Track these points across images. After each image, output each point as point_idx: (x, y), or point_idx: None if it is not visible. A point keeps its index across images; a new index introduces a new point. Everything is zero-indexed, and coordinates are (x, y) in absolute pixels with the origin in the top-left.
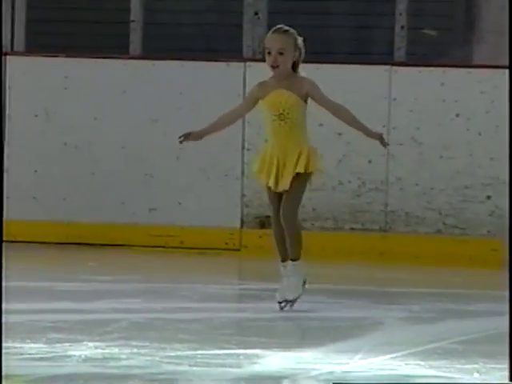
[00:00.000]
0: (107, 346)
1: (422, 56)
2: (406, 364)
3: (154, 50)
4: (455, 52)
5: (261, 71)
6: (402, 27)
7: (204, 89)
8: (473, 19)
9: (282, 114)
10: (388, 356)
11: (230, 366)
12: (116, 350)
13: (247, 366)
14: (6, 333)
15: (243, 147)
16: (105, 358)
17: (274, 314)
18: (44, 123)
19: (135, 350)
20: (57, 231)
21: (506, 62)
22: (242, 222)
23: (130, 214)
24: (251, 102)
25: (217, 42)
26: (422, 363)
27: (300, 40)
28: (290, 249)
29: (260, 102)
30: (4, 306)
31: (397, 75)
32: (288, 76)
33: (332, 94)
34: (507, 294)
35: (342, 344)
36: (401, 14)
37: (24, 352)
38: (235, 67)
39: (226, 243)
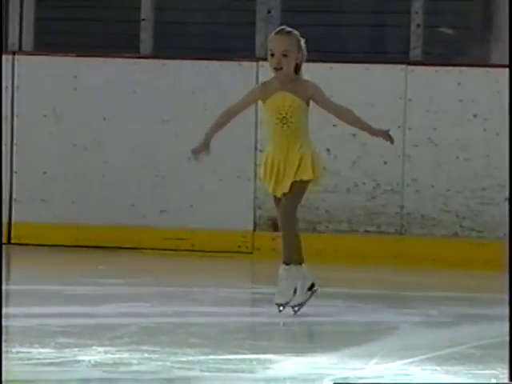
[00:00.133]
0: (117, 351)
1: (438, 55)
2: (422, 369)
3: (165, 49)
4: (472, 51)
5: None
6: (418, 25)
7: (216, 88)
8: (490, 17)
9: (284, 117)
10: (404, 361)
11: (243, 372)
12: (126, 355)
13: (260, 372)
14: (14, 337)
15: (256, 148)
16: (115, 363)
17: (288, 318)
18: (53, 124)
19: (146, 355)
20: (66, 234)
21: None
22: (255, 225)
23: (140, 216)
24: (250, 102)
25: (229, 41)
26: (439, 368)
27: (303, 41)
28: (284, 252)
29: (262, 104)
30: (10, 310)
31: (413, 75)
32: (292, 79)
33: (346, 94)
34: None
35: (357, 349)
36: (417, 13)
37: (32, 357)
38: (248, 66)
39: (239, 246)
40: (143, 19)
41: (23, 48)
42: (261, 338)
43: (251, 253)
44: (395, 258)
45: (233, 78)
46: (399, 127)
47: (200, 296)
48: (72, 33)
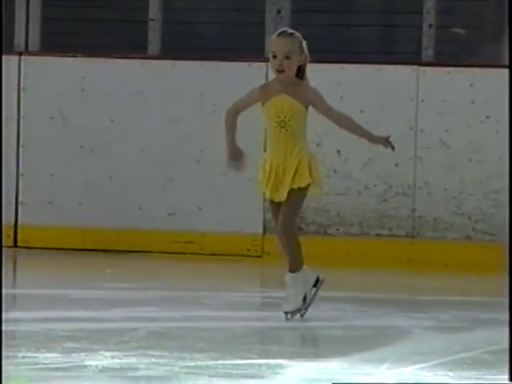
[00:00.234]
0: (125, 356)
1: (450, 56)
2: (434, 375)
3: (174, 50)
4: (485, 51)
5: None
6: (430, 26)
7: (225, 89)
8: (503, 17)
9: (283, 120)
10: (415, 366)
11: (252, 377)
12: (134, 360)
13: (270, 377)
14: (20, 342)
15: (265, 150)
16: (122, 368)
17: (298, 322)
18: (60, 125)
19: (154, 360)
20: (73, 237)
21: None
22: (265, 228)
23: (148, 219)
24: (251, 103)
25: (238, 41)
26: (451, 374)
27: (305, 44)
28: (288, 260)
29: (261, 106)
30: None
31: (424, 75)
32: (293, 82)
33: (357, 95)
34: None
35: (368, 354)
36: (428, 12)
37: (39, 362)
38: (257, 67)
39: (248, 249)
40: (151, 19)
41: (30, 49)
42: (270, 343)
43: (260, 256)
44: (407, 261)
45: (242, 78)
46: (411, 129)
47: (209, 300)
48: (79, 33)
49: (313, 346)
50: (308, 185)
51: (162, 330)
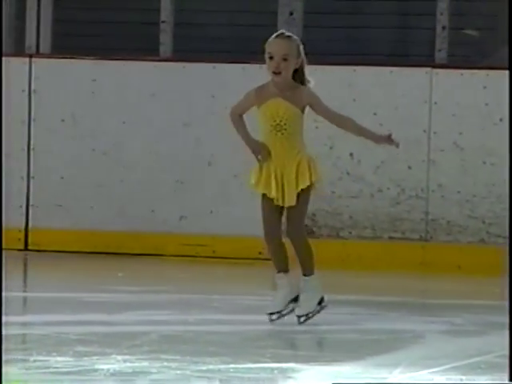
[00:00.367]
0: (136, 360)
1: (463, 58)
2: (448, 379)
3: (185, 52)
4: (499, 53)
5: None
6: (444, 28)
7: (237, 92)
8: None
9: (278, 124)
10: (429, 370)
11: (264, 381)
12: (146, 364)
13: (282, 381)
14: (31, 345)
15: None
16: (134, 372)
17: (310, 326)
18: (71, 128)
19: (165, 364)
20: (84, 240)
21: None
22: None
23: (160, 222)
24: (247, 107)
25: (250, 44)
26: (464, 378)
27: (302, 47)
28: (302, 265)
29: (256, 109)
30: (27, 318)
31: (438, 78)
32: (290, 85)
33: (370, 97)
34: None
35: (382, 357)
36: (442, 14)
37: (50, 365)
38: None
39: (260, 253)
40: (163, 21)
41: (41, 51)
42: (282, 347)
43: None
44: (420, 264)
45: (254, 80)
46: (424, 131)
47: (220, 303)
48: (90, 35)
49: (326, 349)
50: (310, 186)
51: (173, 334)
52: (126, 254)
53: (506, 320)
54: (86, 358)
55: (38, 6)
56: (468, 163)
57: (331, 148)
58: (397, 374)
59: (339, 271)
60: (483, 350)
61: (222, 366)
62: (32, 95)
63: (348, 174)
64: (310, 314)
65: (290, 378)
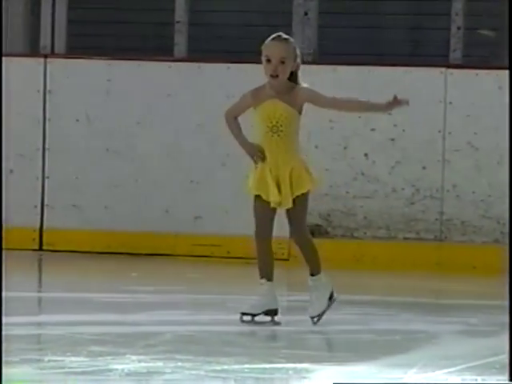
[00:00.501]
0: (151, 360)
1: (478, 58)
2: (463, 379)
3: (200, 52)
4: None
5: (310, 74)
6: (458, 28)
7: None
8: None
9: (275, 126)
10: (444, 371)
11: (279, 381)
12: (160, 364)
13: (296, 381)
14: (46, 345)
15: None
16: (148, 372)
17: (325, 326)
18: (85, 128)
19: (180, 364)
20: (98, 240)
21: None
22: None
23: (174, 222)
24: (244, 108)
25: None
26: (479, 378)
27: (298, 50)
28: (309, 265)
29: (253, 111)
30: (42, 318)
31: (452, 78)
32: (287, 87)
33: (384, 98)
34: None
35: (396, 358)
36: (457, 14)
37: (65, 366)
38: None
39: (275, 253)
40: (178, 21)
41: (56, 51)
42: (297, 347)
43: (287, 260)
44: (435, 265)
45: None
46: (439, 132)
47: (235, 304)
48: (105, 35)
49: (340, 350)
50: (308, 191)
51: (188, 334)
52: (140, 254)
53: None
54: (100, 358)
55: (53, 6)
56: (483, 163)
57: (346, 148)
58: (411, 375)
59: (354, 271)
60: (498, 350)
61: (237, 367)
62: (47, 95)
63: (363, 174)
64: (323, 314)
65: (304, 378)
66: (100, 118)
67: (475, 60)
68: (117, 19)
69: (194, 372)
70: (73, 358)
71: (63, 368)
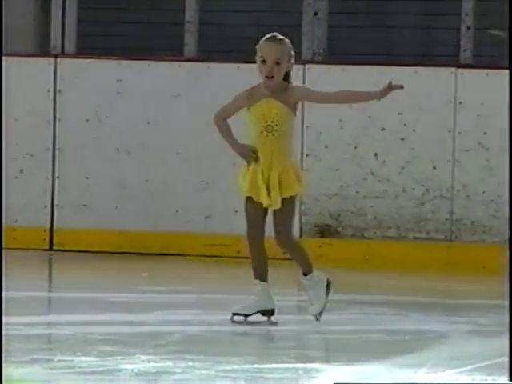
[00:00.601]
0: (161, 360)
1: (488, 58)
2: (473, 379)
3: (210, 52)
4: None
5: (321, 74)
6: (468, 28)
7: None
8: None
9: (269, 125)
10: (453, 371)
11: (289, 381)
12: (170, 364)
13: (306, 381)
14: (56, 345)
15: (302, 153)
16: (158, 372)
17: (334, 326)
18: (96, 128)
19: (190, 364)
20: (109, 240)
21: None
22: (301, 231)
23: (184, 222)
24: (237, 109)
25: None
26: (489, 378)
27: (292, 51)
28: (299, 265)
29: (247, 111)
30: (52, 317)
31: (463, 78)
32: (281, 87)
33: (394, 97)
34: None
35: (406, 358)
36: (467, 14)
37: (75, 365)
38: (294, 70)
39: (284, 253)
40: (188, 21)
41: (66, 51)
42: (307, 347)
43: None
44: (445, 265)
45: None
46: (449, 131)
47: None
48: (115, 35)
49: (350, 349)
50: (297, 194)
51: (198, 334)
52: (150, 254)
53: None
54: (110, 358)
55: (63, 6)
56: (493, 163)
57: (356, 148)
58: (421, 375)
59: (363, 271)
60: (508, 350)
61: (247, 366)
62: (57, 95)
63: (372, 174)
64: (323, 310)
65: (314, 378)
66: (110, 118)
67: (485, 60)
68: (127, 19)
69: (204, 372)
70: (83, 358)
71: (73, 368)
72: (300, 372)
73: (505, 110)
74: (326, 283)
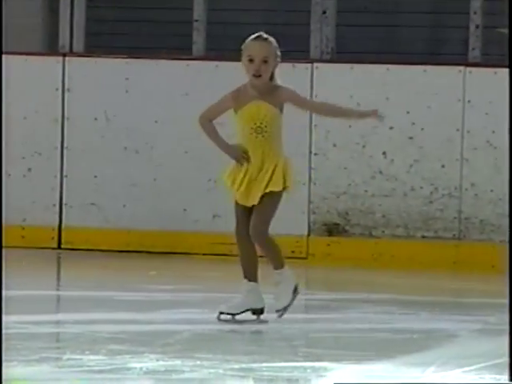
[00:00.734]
0: (169, 358)
1: (497, 56)
2: (481, 378)
3: (218, 51)
4: None
5: (329, 73)
6: (477, 26)
7: None
8: None
9: (259, 127)
10: (462, 369)
11: (297, 380)
12: (178, 363)
13: (315, 380)
14: (64, 344)
15: (310, 152)
16: (167, 371)
17: (343, 325)
18: (104, 127)
19: (198, 363)
20: (117, 239)
21: None
22: (309, 230)
23: (192, 221)
24: (223, 110)
25: (283, 42)
26: (498, 377)
27: (278, 50)
28: (270, 261)
29: (235, 113)
30: (60, 316)
31: (471, 76)
32: (268, 87)
33: (403, 96)
34: None
35: (414, 357)
36: (475, 13)
37: (83, 364)
38: (302, 68)
39: (293, 251)
40: (196, 20)
41: (74, 50)
42: (315, 346)
43: (305, 258)
44: (453, 263)
45: (287, 79)
46: (457, 130)
47: None
48: (123, 34)
49: (358, 348)
50: (283, 189)
51: (206, 333)
52: (158, 253)
53: None
54: (118, 357)
55: (72, 5)
56: (501, 162)
57: (364, 147)
58: (430, 373)
59: (372, 270)
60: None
61: (255, 365)
62: (65, 94)
63: (381, 172)
64: (288, 307)
65: (322, 376)
66: (118, 117)
67: (494, 58)
68: (135, 18)
69: (212, 370)
70: (91, 357)
71: (82, 366)
72: (308, 371)
73: None
74: (294, 287)
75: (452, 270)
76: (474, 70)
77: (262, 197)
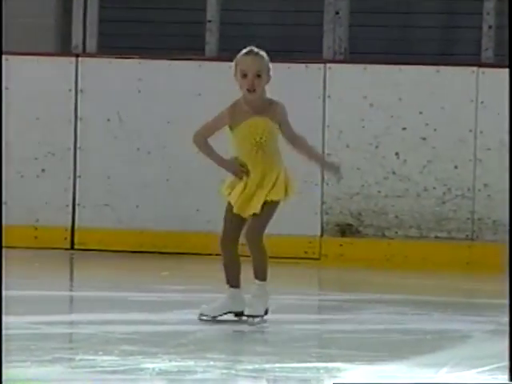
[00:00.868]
0: (182, 359)
1: (510, 57)
2: (494, 378)
3: (231, 51)
4: None
5: (342, 73)
6: (490, 27)
7: (282, 91)
8: None
9: (258, 142)
10: (475, 370)
11: (310, 380)
12: (191, 363)
13: (328, 380)
14: (77, 344)
15: (323, 152)
16: (180, 371)
17: (356, 325)
18: (116, 127)
19: (211, 363)
20: (130, 239)
21: None
22: (322, 230)
23: (205, 221)
24: (219, 128)
25: (296, 43)
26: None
27: (270, 64)
28: (255, 270)
29: (230, 130)
30: (73, 317)
31: (484, 77)
32: (263, 101)
33: (416, 97)
34: None
35: (427, 357)
36: (488, 13)
37: (96, 365)
38: (315, 69)
39: (306, 252)
40: (209, 21)
41: (87, 50)
42: (328, 346)
43: (318, 259)
44: (466, 264)
45: (300, 80)
46: (470, 131)
47: None
48: (136, 35)
49: (371, 349)
50: (278, 201)
51: (219, 333)
52: (171, 254)
53: None
54: (131, 357)
55: (85, 5)
56: None
57: (377, 147)
58: (443, 374)
59: (385, 271)
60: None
61: (268, 366)
62: (78, 94)
63: (394, 173)
64: (257, 319)
65: (335, 377)
66: (131, 118)
67: (507, 59)
68: (148, 18)
69: (225, 371)
70: (104, 357)
71: (94, 367)
72: (321, 371)
73: None
74: (265, 309)
75: (465, 271)
76: (486, 70)
77: (262, 205)
